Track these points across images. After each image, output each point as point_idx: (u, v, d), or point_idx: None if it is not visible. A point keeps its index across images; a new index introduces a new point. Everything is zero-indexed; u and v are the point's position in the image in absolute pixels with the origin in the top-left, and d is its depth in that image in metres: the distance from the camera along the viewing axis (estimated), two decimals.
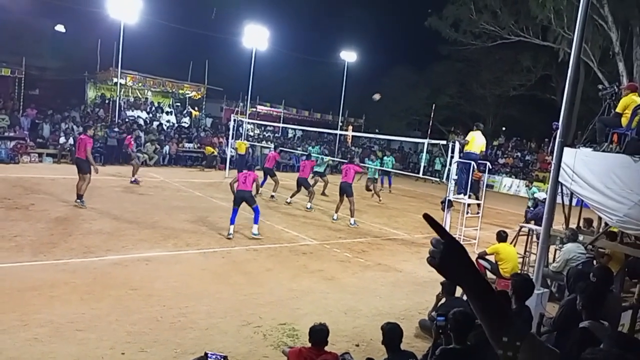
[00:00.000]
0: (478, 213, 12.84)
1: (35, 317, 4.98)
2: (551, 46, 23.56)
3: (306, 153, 16.55)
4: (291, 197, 13.83)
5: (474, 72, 33.33)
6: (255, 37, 25.04)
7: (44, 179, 13.53)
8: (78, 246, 7.59)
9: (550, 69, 28.67)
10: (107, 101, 24.92)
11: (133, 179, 14.38)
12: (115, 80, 22.98)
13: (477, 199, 14.13)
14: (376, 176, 16.34)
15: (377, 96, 19.63)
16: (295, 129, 29.07)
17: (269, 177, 14.75)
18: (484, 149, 10.80)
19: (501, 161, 28.41)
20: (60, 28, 34.00)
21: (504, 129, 36.59)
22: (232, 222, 9.25)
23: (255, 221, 9.41)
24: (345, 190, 11.79)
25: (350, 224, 11.71)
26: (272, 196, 14.30)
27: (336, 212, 12.26)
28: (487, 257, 7.77)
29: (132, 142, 16.50)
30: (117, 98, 22.81)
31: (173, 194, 13.89)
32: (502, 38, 24.86)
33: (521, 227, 9.04)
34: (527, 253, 8.64)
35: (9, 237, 7.63)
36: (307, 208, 13.33)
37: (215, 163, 21.19)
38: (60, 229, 8.54)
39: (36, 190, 11.78)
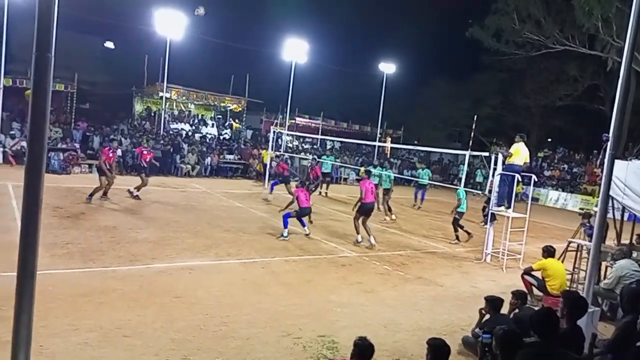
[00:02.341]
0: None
1: (86, 322, 5.18)
2: (599, 55, 22.77)
3: (359, 167, 16.12)
4: (362, 236, 10.64)
5: (518, 82, 32.51)
6: (295, 50, 25.42)
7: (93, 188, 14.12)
8: (125, 254, 7.87)
9: (598, 79, 27.64)
10: (152, 114, 25.86)
11: (136, 193, 13.20)
12: (161, 94, 23.83)
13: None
14: (389, 187, 14.86)
15: (200, 11, 18.34)
16: (333, 141, 29.17)
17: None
18: (527, 161, 10.48)
19: (547, 173, 27.47)
20: (109, 45, 35.70)
21: (549, 140, 35.46)
22: (303, 225, 10.62)
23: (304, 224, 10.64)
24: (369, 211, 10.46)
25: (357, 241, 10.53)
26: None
27: (358, 233, 10.54)
28: (533, 273, 7.51)
29: (145, 153, 13.84)
30: (162, 111, 23.60)
31: (215, 204, 14.19)
32: (546, 47, 24.25)
33: (570, 242, 8.69)
34: (576, 269, 8.29)
35: (62, 244, 7.99)
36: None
37: (255, 175, 21.48)
38: (108, 237, 8.88)
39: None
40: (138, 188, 13.22)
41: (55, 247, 7.74)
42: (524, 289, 6.66)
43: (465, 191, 11.97)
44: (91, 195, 11.90)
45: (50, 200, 11.33)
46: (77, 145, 19.02)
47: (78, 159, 17.93)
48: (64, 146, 18.16)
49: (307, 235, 10.58)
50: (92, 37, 33.49)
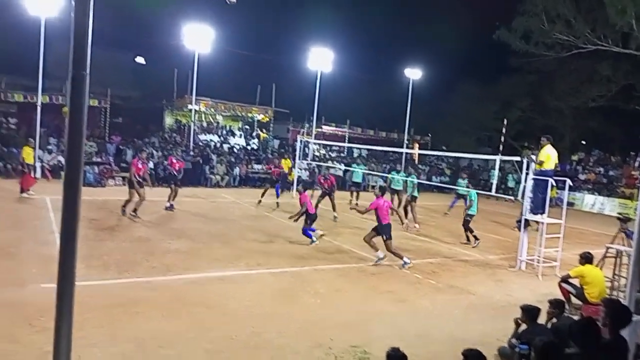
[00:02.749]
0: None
1: (122, 333, 5.29)
2: (634, 54, 22.02)
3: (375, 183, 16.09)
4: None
5: (548, 84, 31.69)
6: (320, 59, 25.55)
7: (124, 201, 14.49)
8: (159, 265, 8.02)
9: (633, 78, 26.66)
10: (182, 126, 26.41)
11: (170, 203, 13.60)
12: (190, 106, 24.32)
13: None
14: (415, 193, 14.38)
15: None
16: (360, 148, 29.11)
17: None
18: (557, 161, 10.23)
19: (582, 177, 26.64)
20: (140, 60, 36.76)
21: (583, 142, 34.41)
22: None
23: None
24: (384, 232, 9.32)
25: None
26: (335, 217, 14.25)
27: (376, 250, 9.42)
28: (570, 280, 7.27)
29: (175, 162, 14.11)
30: (192, 123, 24.07)
31: (244, 214, 14.33)
32: (577, 47, 23.61)
33: (608, 248, 8.38)
34: (615, 276, 7.97)
35: (98, 255, 8.21)
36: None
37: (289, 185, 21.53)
38: (142, 248, 9.07)
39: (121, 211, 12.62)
40: (170, 198, 13.54)
41: (92, 258, 7.95)
42: (562, 298, 6.45)
43: (497, 197, 11.75)
44: (124, 208, 11.93)
45: (86, 212, 11.66)
46: (111, 159, 19.59)
47: (112, 172, 18.45)
48: (99, 160, 18.72)
49: (322, 236, 10.88)
50: (123, 52, 34.56)
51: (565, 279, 7.31)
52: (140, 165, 12.13)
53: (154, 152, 20.43)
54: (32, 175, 14.44)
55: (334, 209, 14.19)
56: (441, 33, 36.42)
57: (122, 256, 8.36)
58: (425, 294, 7.77)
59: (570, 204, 21.48)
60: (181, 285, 7.15)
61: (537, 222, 10.15)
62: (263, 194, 15.90)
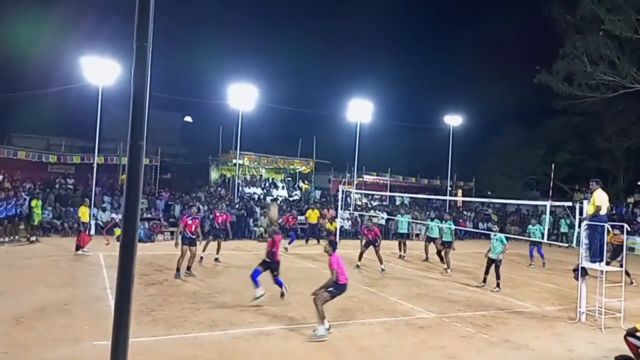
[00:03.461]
0: (633, 283, 11.67)
1: None
2: None
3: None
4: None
5: (596, 125, 30.81)
6: (359, 110, 26.04)
7: (175, 255, 14.79)
8: (205, 320, 8.06)
9: None
10: (227, 180, 27.22)
11: (216, 256, 14.02)
12: (234, 161, 25.13)
13: (620, 265, 12.63)
14: (448, 238, 14.47)
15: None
16: (402, 197, 28.87)
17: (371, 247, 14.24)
18: (608, 205, 9.78)
19: None
20: (188, 119, 38.73)
21: (639, 184, 32.73)
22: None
23: None
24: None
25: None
26: (383, 269, 13.81)
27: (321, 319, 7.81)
28: (638, 334, 6.72)
29: (218, 215, 14.22)
30: (236, 177, 24.77)
31: (288, 266, 14.27)
32: (623, 87, 23.04)
33: None
34: None
35: (147, 311, 8.37)
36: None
37: (326, 235, 21.50)
38: (189, 302, 9.18)
39: (169, 266, 12.89)
40: (216, 251, 13.99)
41: (141, 314, 8.11)
42: (629, 353, 5.97)
43: (550, 244, 11.32)
44: (178, 270, 11.50)
45: (135, 268, 12.00)
46: (161, 214, 20.29)
47: (161, 227, 19.06)
48: (149, 216, 19.43)
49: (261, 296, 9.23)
50: (172, 112, 36.63)
51: (632, 333, 6.76)
52: (189, 222, 11.67)
53: (201, 206, 21.01)
54: (87, 233, 15.11)
55: (380, 262, 13.81)
56: (481, 78, 36.53)
57: (170, 311, 8.47)
58: (479, 350, 7.38)
59: (630, 249, 20.23)
60: (227, 340, 7.14)
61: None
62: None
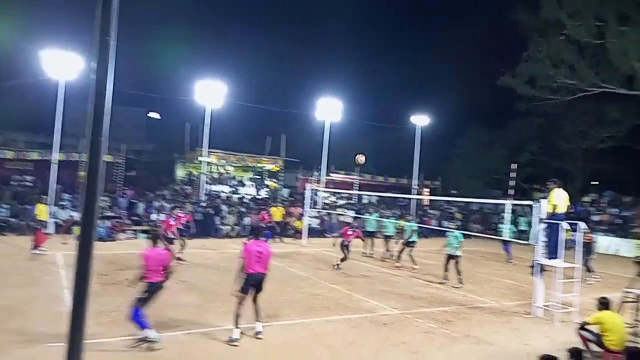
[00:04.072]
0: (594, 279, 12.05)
1: None
2: None
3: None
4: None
5: (556, 127, 31.93)
6: (328, 109, 26.12)
7: (137, 254, 14.51)
8: (167, 320, 7.92)
9: None
10: (193, 178, 26.81)
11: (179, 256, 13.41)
12: (201, 159, 24.77)
13: (587, 268, 13.25)
14: (414, 238, 14.79)
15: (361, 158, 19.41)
16: (370, 195, 29.14)
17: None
18: (569, 204, 10.18)
19: (595, 218, 26.17)
20: (154, 115, 37.95)
21: (595, 183, 34.14)
22: None
23: None
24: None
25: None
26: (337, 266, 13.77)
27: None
28: (589, 327, 7.02)
29: (181, 216, 14.48)
30: (203, 175, 24.43)
31: None
32: (582, 91, 23.92)
33: (626, 292, 8.14)
34: (636, 322, 7.69)
35: (107, 312, 8.15)
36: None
37: (293, 233, 21.53)
38: (151, 302, 8.97)
39: (131, 265, 12.57)
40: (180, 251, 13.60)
41: (101, 315, 7.90)
42: (581, 346, 6.22)
43: (510, 241, 11.70)
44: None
45: (95, 267, 11.64)
46: (124, 212, 19.78)
47: (124, 226, 18.58)
48: (110, 214, 18.91)
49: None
50: (138, 108, 35.86)
51: (584, 326, 7.06)
52: (172, 222, 13.09)
53: (165, 204, 20.63)
54: (45, 231, 14.58)
55: (343, 260, 13.82)
56: (447, 80, 37.26)
57: None
58: (440, 345, 7.54)
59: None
60: (190, 340, 7.05)
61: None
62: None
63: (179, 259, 13.41)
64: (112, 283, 10.49)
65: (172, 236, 12.92)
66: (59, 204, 18.92)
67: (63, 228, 16.97)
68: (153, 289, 6.82)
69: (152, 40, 34.35)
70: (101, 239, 17.06)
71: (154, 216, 19.63)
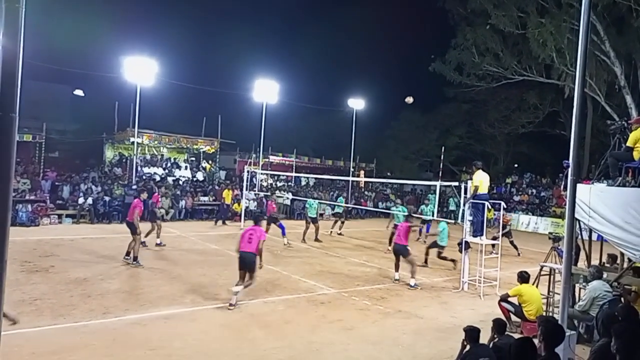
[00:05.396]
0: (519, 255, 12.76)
1: None
2: (556, 83, 23.87)
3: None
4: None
5: (482, 112, 33.74)
6: (265, 90, 25.80)
7: (63, 239, 13.75)
8: (97, 307, 7.62)
9: (558, 105, 28.90)
10: (124, 160, 25.58)
11: (158, 241, 13.68)
12: (132, 139, 23.66)
13: (512, 243, 14.16)
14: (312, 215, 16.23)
15: (409, 99, 19.51)
16: (308, 177, 29.33)
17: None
18: (490, 185, 10.89)
19: (516, 198, 28.13)
20: (79, 92, 35.53)
21: (516, 166, 36.57)
22: None
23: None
24: (401, 253, 10.55)
25: (410, 285, 10.30)
26: (288, 243, 14.72)
27: (396, 271, 10.78)
28: (509, 299, 7.60)
29: (160, 200, 15.73)
30: (134, 157, 23.39)
31: (190, 248, 13.96)
32: (506, 78, 25.29)
33: (542, 266, 8.86)
34: (550, 293, 8.42)
35: (30, 300, 7.70)
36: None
37: (231, 215, 21.28)
38: (79, 290, 8.60)
39: (56, 252, 11.95)
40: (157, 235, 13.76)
41: (23, 304, 7.44)
42: (502, 317, 6.73)
43: (439, 220, 12.24)
44: (135, 258, 10.93)
45: (17, 254, 10.96)
46: (47, 196, 18.54)
47: (47, 210, 17.46)
48: (32, 197, 17.68)
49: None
50: (60, 85, 33.41)
51: (504, 298, 7.63)
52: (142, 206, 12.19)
53: (93, 187, 19.60)
54: None
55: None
56: (382, 65, 37.94)
57: (57, 300, 7.88)
58: (374, 321, 7.85)
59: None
60: (122, 327, 6.83)
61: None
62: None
63: (158, 244, 13.37)
64: (36, 270, 9.89)
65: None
66: None
67: None
68: None
69: (76, 12, 31.98)
70: (22, 224, 16.00)
71: (81, 200, 18.58)
